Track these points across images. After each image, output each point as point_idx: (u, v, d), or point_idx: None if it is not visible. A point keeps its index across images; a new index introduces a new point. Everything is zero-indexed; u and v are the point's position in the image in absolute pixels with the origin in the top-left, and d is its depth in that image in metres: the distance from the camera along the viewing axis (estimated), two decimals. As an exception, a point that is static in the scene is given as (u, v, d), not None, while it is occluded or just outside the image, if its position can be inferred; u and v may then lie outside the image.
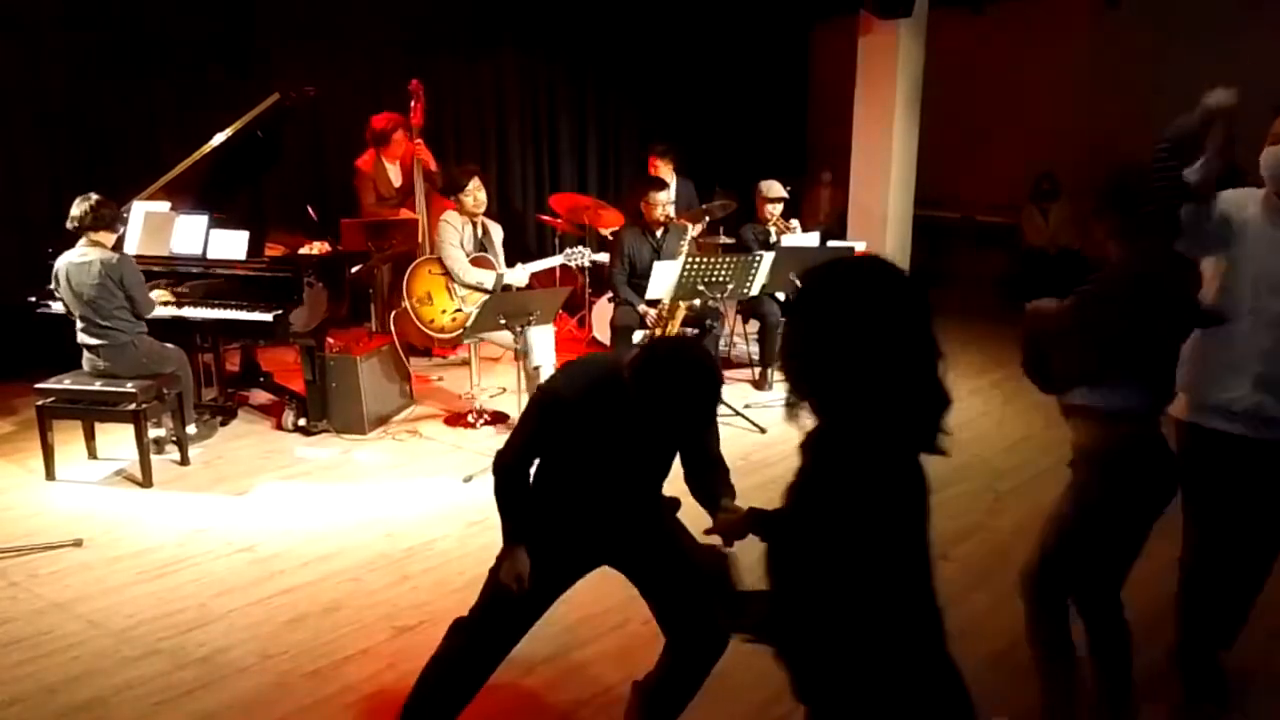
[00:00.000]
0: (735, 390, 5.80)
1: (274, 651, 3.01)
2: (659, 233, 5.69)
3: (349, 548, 3.75)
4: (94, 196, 4.26)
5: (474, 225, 5.23)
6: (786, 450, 4.83)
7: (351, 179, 6.28)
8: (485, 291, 5.15)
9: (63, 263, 4.24)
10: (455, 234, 5.15)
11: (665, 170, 6.70)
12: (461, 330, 5.14)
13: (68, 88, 5.92)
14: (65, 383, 4.32)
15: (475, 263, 5.21)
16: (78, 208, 4.22)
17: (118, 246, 4.41)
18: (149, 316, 4.39)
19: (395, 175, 6.24)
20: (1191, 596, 2.63)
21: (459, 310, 5.22)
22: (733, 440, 4.98)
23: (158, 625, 3.16)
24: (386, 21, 7.22)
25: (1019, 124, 8.84)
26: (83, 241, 4.24)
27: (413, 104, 5.87)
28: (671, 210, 5.88)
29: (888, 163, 7.61)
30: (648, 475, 2.40)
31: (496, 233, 5.35)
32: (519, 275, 5.29)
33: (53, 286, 4.32)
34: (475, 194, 5.13)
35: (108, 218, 4.28)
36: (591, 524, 2.38)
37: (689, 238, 5.67)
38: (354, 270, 5.26)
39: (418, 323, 5.19)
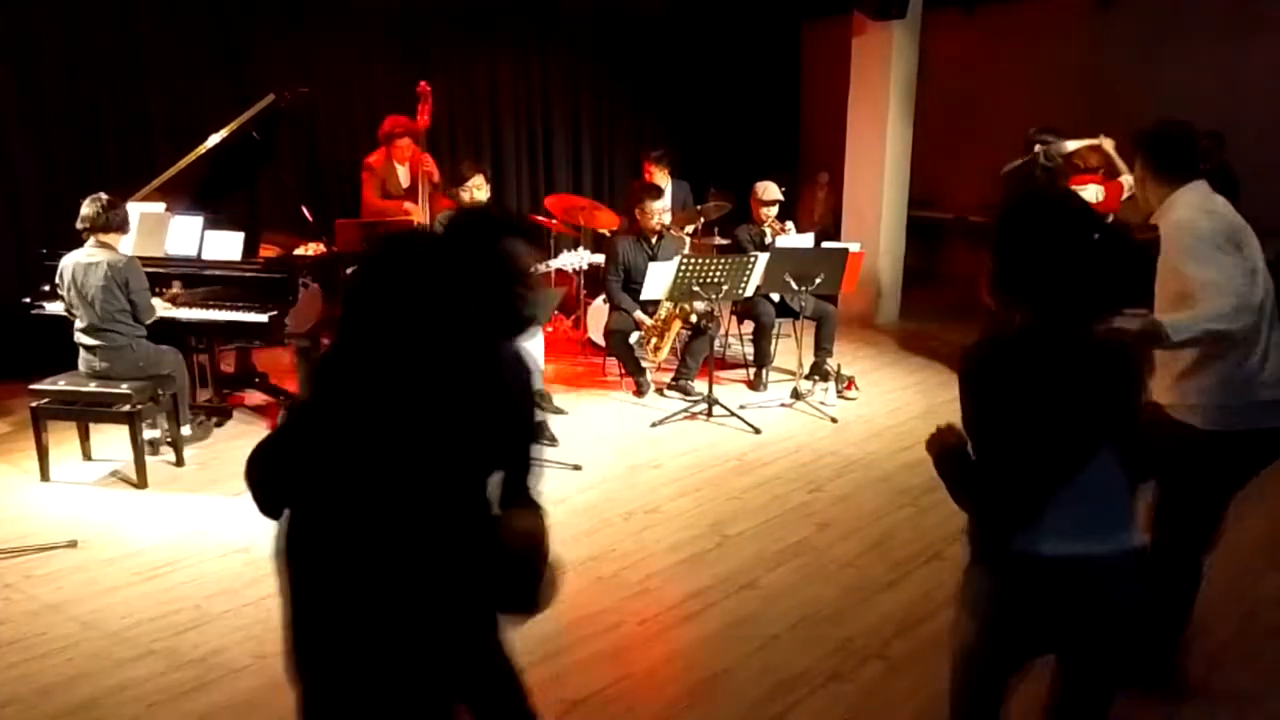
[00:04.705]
0: (730, 391, 5.82)
1: (269, 652, 2.99)
2: (654, 240, 5.70)
3: (344, 548, 3.75)
4: (104, 197, 4.22)
5: None
6: (781, 451, 4.87)
7: (353, 176, 6.27)
8: None
9: (69, 261, 4.21)
10: None
11: (660, 176, 6.70)
12: None
13: (62, 88, 5.91)
14: (60, 384, 4.32)
15: None
16: (88, 208, 4.19)
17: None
18: (148, 322, 4.38)
19: (404, 176, 6.25)
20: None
21: None
22: (728, 441, 5.00)
23: (153, 626, 3.16)
24: (382, 23, 7.22)
25: (1011, 124, 8.85)
26: (91, 242, 4.22)
27: (419, 105, 5.85)
28: (667, 218, 5.87)
29: (881, 163, 7.63)
30: None
31: None
32: None
33: (57, 283, 4.29)
34: (474, 190, 5.15)
35: (118, 220, 4.25)
36: None
37: (685, 251, 5.67)
38: (349, 271, 5.23)
39: None
